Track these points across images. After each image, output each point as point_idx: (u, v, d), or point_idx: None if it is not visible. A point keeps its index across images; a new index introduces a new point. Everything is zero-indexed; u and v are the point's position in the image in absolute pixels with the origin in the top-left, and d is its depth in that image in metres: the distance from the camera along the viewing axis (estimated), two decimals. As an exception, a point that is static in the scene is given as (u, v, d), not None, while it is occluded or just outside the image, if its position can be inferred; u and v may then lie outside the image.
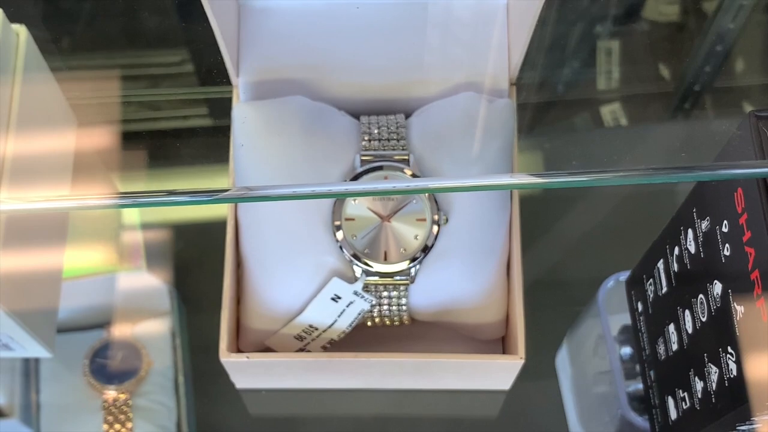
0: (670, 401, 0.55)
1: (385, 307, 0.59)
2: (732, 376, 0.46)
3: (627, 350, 0.63)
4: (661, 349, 0.56)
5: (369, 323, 0.60)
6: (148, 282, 0.70)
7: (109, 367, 0.67)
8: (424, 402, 0.68)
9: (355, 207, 0.59)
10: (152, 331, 0.69)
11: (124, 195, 0.43)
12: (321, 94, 0.62)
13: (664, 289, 0.56)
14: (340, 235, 0.58)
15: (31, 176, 0.57)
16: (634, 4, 0.79)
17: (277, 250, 0.59)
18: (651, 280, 0.58)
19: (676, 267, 0.54)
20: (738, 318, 0.46)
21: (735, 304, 0.46)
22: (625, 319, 0.63)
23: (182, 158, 0.75)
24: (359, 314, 0.59)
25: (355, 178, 0.58)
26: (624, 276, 0.63)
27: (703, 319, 0.50)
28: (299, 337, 0.60)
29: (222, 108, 0.65)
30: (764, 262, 0.43)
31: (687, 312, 0.52)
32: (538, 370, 0.68)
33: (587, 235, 0.73)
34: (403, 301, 0.59)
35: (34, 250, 0.59)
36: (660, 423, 0.57)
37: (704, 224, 0.49)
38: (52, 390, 0.67)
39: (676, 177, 0.44)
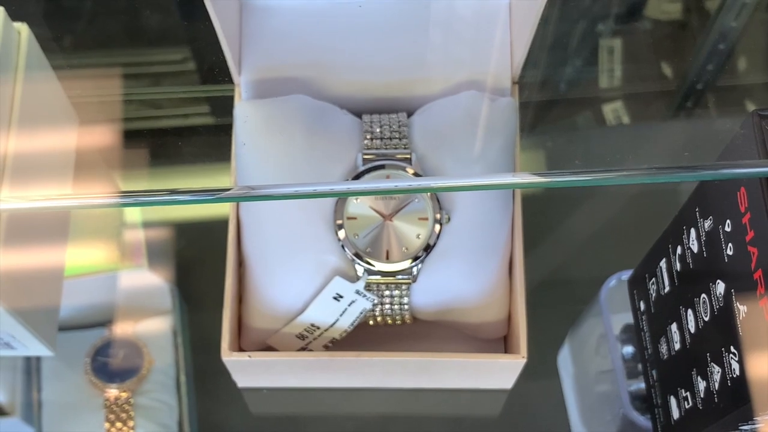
0: (673, 401, 0.55)
1: (387, 306, 0.59)
2: (734, 376, 0.46)
3: (629, 349, 0.63)
4: (663, 348, 0.56)
5: (371, 322, 0.60)
6: (150, 280, 0.70)
7: (110, 365, 0.67)
8: (425, 401, 0.68)
9: (357, 206, 0.59)
10: (154, 329, 0.69)
11: (126, 194, 0.43)
12: (323, 92, 0.62)
13: (667, 289, 0.55)
14: (342, 234, 0.58)
15: (33, 174, 0.57)
16: (637, 2, 0.79)
17: (279, 249, 0.59)
18: (653, 279, 0.57)
19: (678, 266, 0.54)
20: (741, 317, 0.46)
21: (738, 303, 0.46)
22: (628, 318, 0.62)
23: (184, 157, 0.75)
24: (361, 313, 0.59)
25: (357, 176, 0.58)
26: (626, 275, 0.63)
27: (706, 319, 0.50)
28: (301, 336, 0.60)
29: (224, 106, 0.65)
30: (767, 261, 0.43)
31: (689, 311, 0.52)
32: (540, 370, 0.68)
33: (589, 234, 0.73)
34: (405, 300, 0.59)
35: (36, 248, 0.59)
36: (662, 422, 0.57)
37: (707, 223, 0.49)
38: (53, 388, 0.67)
39: (678, 176, 0.44)
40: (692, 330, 0.52)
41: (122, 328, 0.69)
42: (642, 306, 0.60)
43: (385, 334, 0.63)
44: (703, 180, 0.49)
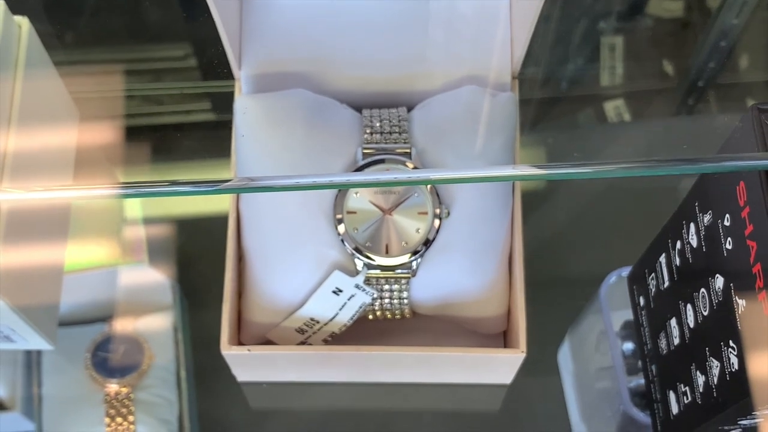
0: (672, 395, 0.55)
1: (387, 301, 0.59)
2: (733, 370, 0.46)
3: (629, 346, 0.63)
4: (662, 343, 0.56)
5: (370, 316, 0.60)
6: (150, 276, 0.70)
7: (111, 360, 0.67)
8: (425, 396, 0.68)
9: (357, 200, 0.59)
10: (154, 325, 0.69)
11: (127, 185, 0.43)
12: (323, 87, 0.62)
13: (666, 284, 0.55)
14: (341, 228, 0.58)
15: (34, 170, 0.57)
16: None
17: (279, 244, 0.59)
18: (653, 274, 0.57)
19: (678, 261, 0.53)
20: (740, 312, 0.45)
21: (737, 297, 0.46)
22: (628, 315, 0.62)
23: (185, 152, 0.75)
24: (360, 307, 0.59)
25: (357, 171, 0.58)
26: (626, 271, 0.63)
27: (705, 313, 0.50)
28: (300, 330, 0.60)
29: (224, 102, 0.65)
30: (766, 255, 0.43)
31: (689, 306, 0.52)
32: (540, 365, 0.68)
33: (589, 230, 0.73)
34: (405, 294, 0.59)
35: (36, 243, 0.59)
36: (661, 417, 0.57)
37: (706, 218, 0.49)
38: (54, 383, 0.67)
39: (678, 169, 0.44)
40: (691, 325, 0.52)
41: (123, 324, 0.69)
42: (642, 301, 0.60)
43: (385, 329, 0.63)
44: (702, 173, 0.49)
